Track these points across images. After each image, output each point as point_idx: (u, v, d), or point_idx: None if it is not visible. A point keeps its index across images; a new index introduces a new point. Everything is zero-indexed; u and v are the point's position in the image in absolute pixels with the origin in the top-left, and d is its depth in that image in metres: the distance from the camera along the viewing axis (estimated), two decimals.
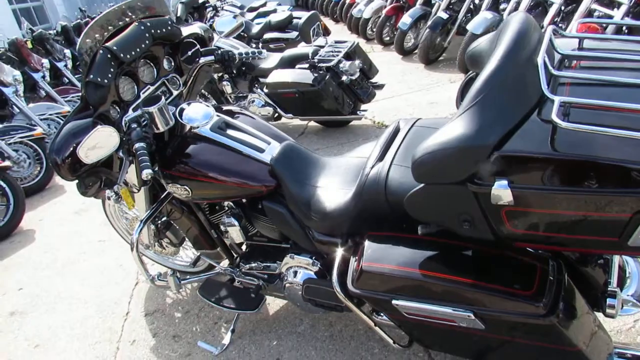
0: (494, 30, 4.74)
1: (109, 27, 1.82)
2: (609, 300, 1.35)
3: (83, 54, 1.71)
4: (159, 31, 1.95)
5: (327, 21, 10.82)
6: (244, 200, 2.02)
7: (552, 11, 4.43)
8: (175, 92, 2.10)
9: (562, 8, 4.52)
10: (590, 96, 1.17)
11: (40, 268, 3.28)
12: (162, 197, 2.15)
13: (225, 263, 2.35)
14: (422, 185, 1.30)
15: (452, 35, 5.96)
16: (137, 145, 1.71)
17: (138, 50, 1.86)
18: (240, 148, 1.88)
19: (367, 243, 1.54)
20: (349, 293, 1.56)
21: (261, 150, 1.89)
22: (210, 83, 4.90)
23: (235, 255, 2.25)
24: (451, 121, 1.23)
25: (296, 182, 1.82)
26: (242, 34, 6.80)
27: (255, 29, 6.55)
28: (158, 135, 1.94)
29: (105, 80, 1.74)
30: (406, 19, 6.27)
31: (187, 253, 2.76)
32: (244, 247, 2.25)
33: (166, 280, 2.17)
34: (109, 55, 1.76)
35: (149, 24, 1.92)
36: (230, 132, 1.94)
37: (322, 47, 4.30)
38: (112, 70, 1.77)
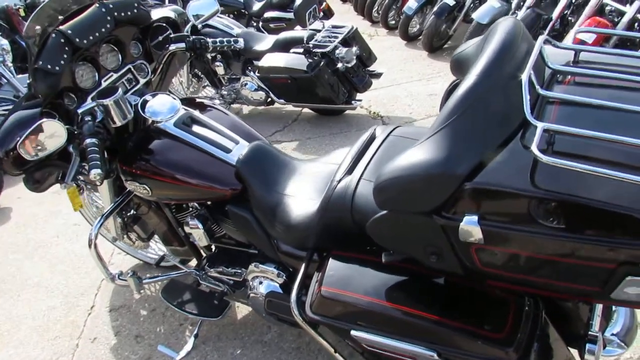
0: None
1: (65, 9, 1.66)
2: (588, 346, 1.22)
3: (29, 39, 1.55)
4: (122, 14, 1.78)
5: (335, 1, 10.54)
6: (208, 202, 1.87)
7: (562, 3, 4.21)
8: (142, 81, 1.94)
9: (573, 0, 4.30)
10: (579, 122, 1.01)
11: (10, 250, 3.16)
12: (127, 190, 2.02)
13: (194, 263, 2.22)
14: (385, 211, 1.16)
15: (458, 22, 5.72)
16: (87, 141, 1.57)
17: (97, 34, 1.70)
18: (205, 147, 1.73)
19: (329, 264, 1.40)
20: (307, 316, 1.42)
21: (227, 150, 1.74)
22: (204, 64, 4.72)
23: (203, 256, 2.13)
24: (420, 143, 1.07)
25: (262, 187, 1.68)
26: (242, 10, 6.59)
27: (256, 7, 6.31)
28: (121, 127, 1.80)
29: (57, 68, 1.59)
30: (412, 3, 6.01)
31: (160, 246, 2.64)
32: (213, 248, 2.12)
33: (126, 280, 2.04)
34: (62, 40, 1.60)
35: (111, 5, 1.75)
36: (196, 128, 1.79)
37: (319, 31, 4.10)
38: (65, 56, 1.61)
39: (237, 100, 4.70)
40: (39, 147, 1.52)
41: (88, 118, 1.63)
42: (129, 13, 1.81)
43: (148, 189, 1.78)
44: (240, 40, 2.09)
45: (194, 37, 1.97)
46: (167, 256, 2.27)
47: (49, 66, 1.56)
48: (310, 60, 3.91)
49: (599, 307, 1.29)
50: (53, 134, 1.53)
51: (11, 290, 2.74)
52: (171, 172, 1.72)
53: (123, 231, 2.30)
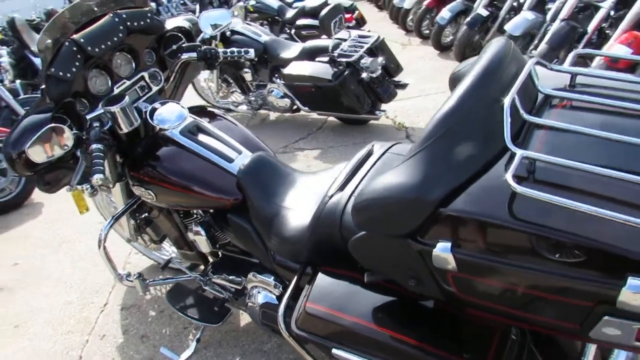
0: (534, 32, 4.36)
1: (79, 19, 1.72)
2: None
3: (43, 47, 1.62)
4: (135, 24, 1.84)
5: (371, 8, 10.54)
6: (211, 210, 1.91)
7: (599, 15, 4.07)
8: (154, 88, 1.99)
9: (611, 13, 4.15)
10: (567, 151, 0.98)
11: (38, 245, 3.30)
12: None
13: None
14: (364, 232, 1.15)
15: (491, 33, 5.62)
16: (93, 146, 1.62)
17: (109, 43, 1.76)
18: (208, 155, 1.76)
19: (317, 280, 1.41)
20: (292, 331, 1.43)
21: (230, 160, 1.77)
22: (234, 69, 4.80)
23: (209, 262, 2.16)
24: (398, 165, 1.06)
25: (261, 198, 1.70)
26: (276, 17, 6.67)
27: (289, 14, 6.39)
28: (133, 133, 1.85)
29: (68, 75, 1.65)
30: (445, 13, 5.96)
31: (173, 249, 2.69)
32: (220, 254, 2.15)
33: (132, 281, 2.10)
34: (74, 48, 1.67)
35: (124, 15, 1.81)
36: (201, 137, 1.82)
37: (345, 40, 4.10)
38: (77, 64, 1.67)
39: (264, 107, 4.76)
40: (47, 151, 1.59)
41: (96, 124, 1.68)
42: (141, 23, 1.86)
43: (153, 194, 1.83)
44: (251, 51, 2.11)
45: (205, 47, 2.02)
46: (173, 260, 2.31)
47: (61, 73, 1.63)
48: (335, 70, 3.92)
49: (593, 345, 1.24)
50: (61, 138, 1.59)
51: (34, 284, 2.86)
52: (174, 179, 1.76)
53: (136, 233, 2.36)
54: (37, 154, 1.57)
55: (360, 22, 7.06)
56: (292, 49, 4.37)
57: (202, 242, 1.94)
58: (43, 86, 1.68)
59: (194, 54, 2.01)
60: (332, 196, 1.42)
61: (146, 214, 2.26)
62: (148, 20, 1.88)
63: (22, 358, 2.29)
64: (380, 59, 4.00)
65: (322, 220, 1.41)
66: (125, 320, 2.42)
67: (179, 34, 2.07)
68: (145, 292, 2.13)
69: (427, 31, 7.21)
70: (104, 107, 1.70)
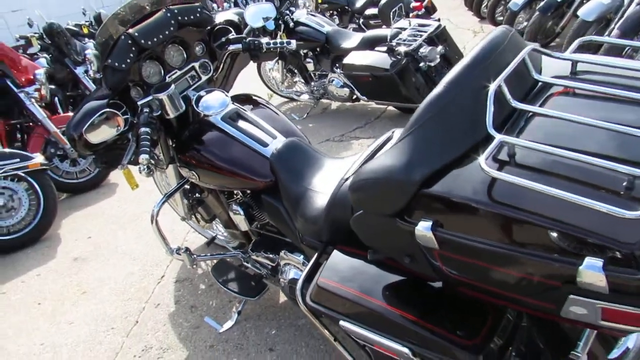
0: (609, 16, 4.16)
1: (133, 15, 1.90)
2: None
3: (101, 41, 1.81)
4: (186, 18, 1.99)
5: None
6: (248, 191, 2.04)
7: None
8: (203, 78, 2.15)
9: None
10: (551, 137, 1.00)
11: (110, 221, 3.63)
12: None
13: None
14: (361, 211, 1.22)
15: (567, 19, 5.33)
16: (141, 129, 1.79)
17: (161, 36, 1.92)
18: (245, 140, 1.89)
19: (332, 256, 1.49)
20: (307, 304, 1.52)
21: (265, 144, 1.88)
22: (298, 60, 4.94)
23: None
24: (388, 149, 1.12)
25: (290, 180, 1.80)
26: (346, 7, 6.74)
27: (358, 3, 6.43)
28: (182, 119, 2.02)
29: (123, 65, 1.83)
30: None
31: (220, 227, 2.87)
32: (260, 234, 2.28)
33: (181, 255, 2.28)
34: (129, 42, 1.84)
35: (176, 11, 1.96)
36: (240, 122, 1.95)
37: (405, 29, 4.09)
38: (131, 56, 1.85)
39: (325, 96, 4.85)
40: (102, 133, 1.78)
41: (146, 110, 1.86)
42: (192, 17, 2.01)
43: (196, 175, 1.99)
44: (293, 42, 2.20)
45: (250, 38, 2.14)
46: (218, 238, 2.48)
47: (117, 64, 1.81)
48: (392, 59, 3.93)
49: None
50: (114, 122, 1.78)
51: (104, 255, 3.17)
52: (213, 161, 1.90)
53: (190, 212, 2.56)
54: (94, 135, 1.77)
55: (431, 9, 6.92)
56: (353, 39, 4.42)
57: (240, 221, 2.08)
58: (101, 75, 1.87)
59: (239, 45, 2.14)
60: (347, 179, 1.50)
61: (197, 195, 2.44)
62: (198, 15, 2.03)
63: (88, 319, 2.56)
64: (439, 48, 3.95)
65: (337, 201, 1.49)
66: (178, 291, 2.64)
67: (228, 27, 2.21)
68: (192, 266, 2.30)
69: (501, 18, 6.96)
70: (153, 94, 1.87)
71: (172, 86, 1.87)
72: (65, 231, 3.62)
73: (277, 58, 4.93)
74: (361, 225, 1.26)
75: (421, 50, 3.88)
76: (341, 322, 1.38)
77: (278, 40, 2.21)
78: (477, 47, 1.12)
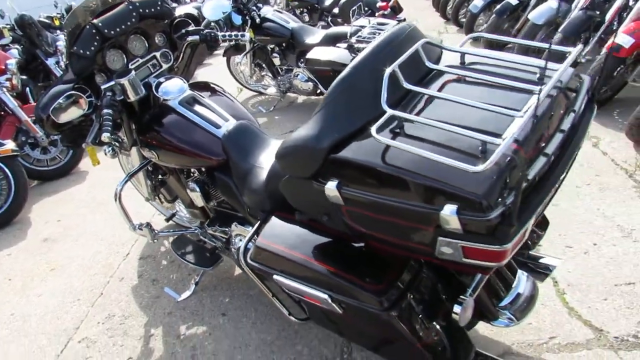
0: (558, 21, 4.54)
1: (98, 7, 2.09)
2: (455, 307, 1.40)
3: (67, 30, 1.99)
4: (147, 10, 2.18)
5: None
6: (203, 169, 2.24)
7: (617, 3, 4.08)
8: (164, 66, 2.34)
9: (631, 1, 4.14)
10: (432, 113, 1.24)
11: (80, 205, 3.79)
12: None
13: None
14: (288, 175, 1.44)
15: (521, 22, 5.64)
16: (104, 110, 1.99)
17: (123, 27, 2.11)
18: (199, 122, 2.09)
19: (270, 221, 1.71)
20: (247, 263, 1.74)
21: (217, 126, 2.09)
22: (265, 54, 5.15)
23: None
24: (307, 122, 1.35)
25: (239, 158, 2.01)
26: (316, 5, 6.96)
27: (327, 2, 6.64)
28: (144, 104, 2.22)
29: (88, 53, 2.02)
30: (477, 1, 6.02)
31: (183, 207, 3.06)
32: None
33: (143, 230, 2.47)
34: (93, 31, 2.03)
35: (137, 4, 2.16)
36: (196, 107, 2.15)
37: (364, 27, 4.33)
38: (95, 44, 2.04)
39: (291, 90, 5.06)
40: (67, 114, 1.97)
41: (109, 93, 2.05)
42: (152, 10, 2.21)
43: (156, 155, 2.18)
44: (247, 34, 2.42)
45: (206, 30, 2.35)
46: (177, 215, 2.69)
47: (81, 51, 2.00)
48: (352, 55, 4.16)
49: (477, 279, 1.47)
50: (78, 104, 1.97)
51: (72, 236, 3.33)
52: (172, 141, 2.10)
53: (153, 192, 2.75)
54: (59, 116, 1.95)
55: (397, 9, 7.20)
56: (316, 35, 4.64)
57: (196, 198, 2.28)
58: (66, 62, 2.06)
59: (197, 37, 2.35)
60: None
61: (160, 176, 2.63)
62: (158, 8, 2.22)
63: (56, 292, 2.73)
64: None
65: (273, 173, 1.71)
66: (141, 267, 2.82)
67: (188, 20, 2.41)
68: (153, 240, 2.50)
69: (464, 19, 7.27)
70: (115, 80, 2.07)
71: (133, 72, 2.07)
72: (36, 215, 3.76)
73: (245, 53, 5.13)
74: (287, 189, 1.49)
75: None
76: (275, 276, 1.61)
77: (232, 33, 2.42)
78: (379, 39, 1.36)
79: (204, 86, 2.35)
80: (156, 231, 2.49)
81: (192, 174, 2.35)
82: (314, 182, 1.33)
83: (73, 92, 1.96)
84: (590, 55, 4.26)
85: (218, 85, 2.40)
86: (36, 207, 3.90)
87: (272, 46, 5.07)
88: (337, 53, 4.27)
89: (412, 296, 1.42)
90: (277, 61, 5.05)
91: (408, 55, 1.31)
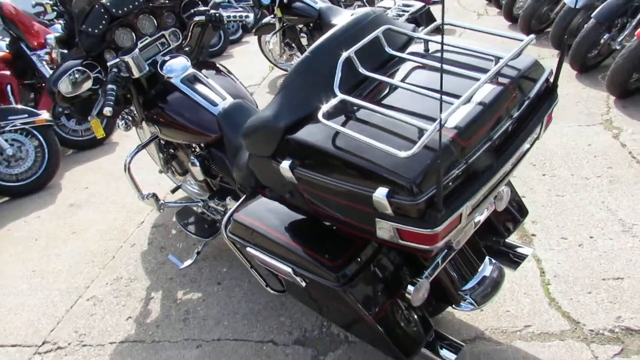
0: (596, 4, 4.42)
1: None
2: (408, 287, 1.45)
3: (76, 9, 2.12)
4: None
5: None
6: (202, 145, 2.34)
7: None
8: (172, 44, 2.45)
9: None
10: (380, 98, 1.28)
11: (106, 174, 4.01)
12: None
13: None
14: (252, 154, 1.52)
15: (560, 5, 5.42)
16: (108, 86, 2.11)
17: (131, 6, 2.22)
18: (198, 99, 2.18)
19: (248, 197, 1.79)
20: (228, 235, 1.83)
21: (215, 104, 2.18)
22: (294, 34, 5.19)
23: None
24: (268, 104, 1.41)
25: (232, 135, 2.09)
26: None
27: None
28: (152, 81, 2.34)
29: (96, 31, 2.14)
30: None
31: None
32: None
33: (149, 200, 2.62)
34: (102, 10, 2.15)
35: None
36: (197, 84, 2.25)
37: (389, 8, 4.30)
38: (104, 23, 2.16)
39: None
40: (73, 88, 2.10)
41: (115, 70, 2.17)
42: None
43: (158, 129, 2.30)
44: (251, 15, 2.48)
45: (212, 11, 2.42)
46: (183, 187, 2.82)
47: (90, 29, 2.13)
48: None
49: (435, 263, 1.50)
50: (85, 79, 2.10)
51: (96, 203, 3.54)
52: (171, 116, 2.21)
53: (165, 165, 2.89)
54: (67, 90, 2.09)
55: None
56: (343, 16, 4.64)
57: (196, 172, 2.40)
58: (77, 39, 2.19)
59: (203, 17, 2.43)
60: None
61: (172, 150, 2.76)
62: None
63: (74, 253, 2.95)
64: (420, 29, 4.15)
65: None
66: (152, 235, 2.99)
67: (197, 0, 2.49)
68: (160, 210, 2.64)
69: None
70: (120, 57, 2.18)
71: (136, 50, 2.18)
72: (66, 182, 4.01)
73: (275, 32, 5.18)
74: (254, 167, 1.56)
75: None
76: (247, 249, 1.70)
77: (237, 13, 2.49)
78: (340, 24, 1.39)
79: (209, 65, 2.44)
80: (162, 201, 2.63)
81: (193, 149, 2.46)
82: (272, 161, 1.39)
83: (80, 68, 2.09)
84: (627, 41, 4.07)
85: (223, 66, 2.49)
86: (68, 174, 4.16)
87: (300, 26, 5.10)
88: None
89: (368, 274, 1.47)
90: (304, 41, 5.09)
91: (367, 41, 1.34)
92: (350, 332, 1.77)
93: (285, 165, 1.33)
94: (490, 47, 1.36)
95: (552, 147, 3.11)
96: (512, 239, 2.35)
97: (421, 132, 1.13)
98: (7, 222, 3.49)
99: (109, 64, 2.21)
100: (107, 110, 2.05)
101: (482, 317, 1.97)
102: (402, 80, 1.32)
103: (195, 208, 2.74)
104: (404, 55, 1.40)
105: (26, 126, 3.83)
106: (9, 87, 4.35)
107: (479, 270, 1.65)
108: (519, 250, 1.82)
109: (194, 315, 2.28)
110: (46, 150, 3.94)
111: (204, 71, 2.34)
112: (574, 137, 3.18)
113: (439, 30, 1.54)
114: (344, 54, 1.30)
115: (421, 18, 4.27)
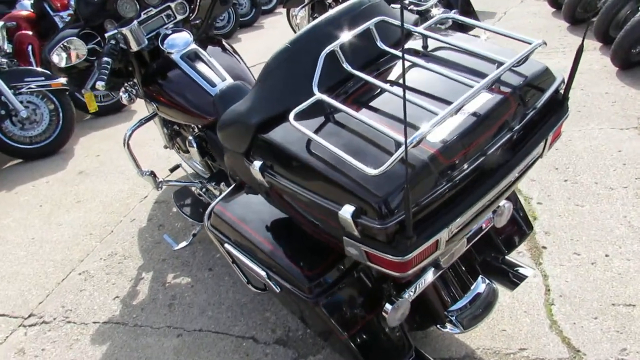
0: None
1: None
2: (386, 305, 1.33)
3: None
4: None
5: None
6: (199, 126, 2.24)
7: None
8: (179, 17, 2.33)
9: None
10: (362, 100, 1.14)
11: (120, 143, 3.95)
12: None
13: None
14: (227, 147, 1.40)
15: None
16: (103, 59, 2.02)
17: None
18: (196, 78, 2.07)
19: (231, 190, 1.69)
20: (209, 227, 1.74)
21: (213, 85, 2.06)
22: (323, 8, 5.00)
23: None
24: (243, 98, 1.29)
25: None
26: None
27: None
28: (155, 55, 2.24)
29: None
30: None
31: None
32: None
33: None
34: None
35: None
36: (197, 62, 2.13)
37: None
38: None
39: None
40: (67, 58, 2.02)
41: (112, 42, 2.07)
42: None
43: (155, 106, 2.21)
44: None
45: None
46: (182, 166, 2.74)
47: None
48: None
49: (419, 282, 1.37)
50: (77, 49, 2.01)
51: (104, 172, 3.52)
52: (168, 94, 2.11)
53: (170, 141, 2.81)
54: (59, 59, 2.01)
55: None
56: None
57: (194, 153, 2.30)
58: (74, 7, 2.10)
59: None
60: None
61: (176, 126, 2.68)
62: None
63: (75, 224, 2.93)
64: (453, 12, 3.92)
65: None
66: (153, 211, 2.94)
67: None
68: (157, 188, 2.57)
69: None
70: (117, 28, 2.08)
71: (135, 22, 2.07)
72: (80, 147, 4.00)
73: (303, 5, 5.00)
74: (228, 162, 1.45)
75: (433, 11, 3.86)
76: (225, 245, 1.60)
77: None
78: (327, 13, 1.25)
79: (215, 42, 2.32)
80: (159, 179, 2.55)
81: (192, 129, 2.36)
82: (245, 160, 1.28)
83: (73, 38, 2.00)
84: None
85: (230, 45, 2.36)
86: (83, 139, 4.15)
87: (330, 1, 4.90)
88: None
89: (345, 287, 1.36)
90: None
91: (355, 34, 1.20)
92: (326, 343, 1.67)
93: (255, 166, 1.21)
94: (497, 49, 1.19)
95: (579, 151, 2.90)
96: (521, 249, 2.22)
97: (399, 145, 0.99)
98: (16, 185, 3.50)
99: (106, 35, 2.12)
100: (100, 85, 1.96)
101: (475, 335, 1.84)
102: (392, 81, 1.18)
103: (193, 189, 2.67)
104: (396, 52, 1.24)
105: (42, 89, 3.81)
106: (30, 48, 4.33)
107: (471, 289, 1.52)
108: (519, 270, 1.67)
109: (180, 301, 2.22)
110: (61, 115, 3.92)
111: (208, 49, 2.22)
112: (604, 141, 2.95)
113: (442, 23, 1.38)
114: (327, 48, 1.16)
115: (455, 1, 4.02)
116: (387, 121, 1.06)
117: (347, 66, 1.18)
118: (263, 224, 1.51)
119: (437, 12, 3.84)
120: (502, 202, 1.43)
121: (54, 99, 3.88)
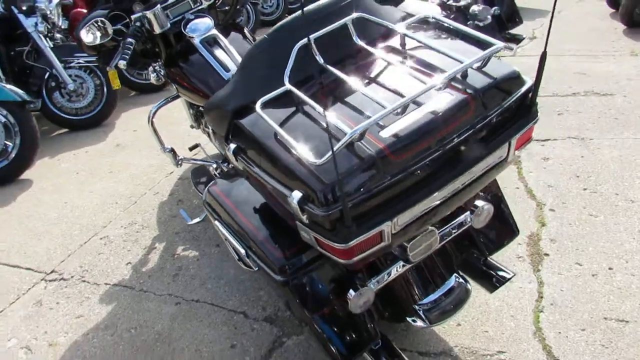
0: None
1: None
2: (350, 291, 1.37)
3: None
4: None
5: None
6: None
7: None
8: (205, 3, 2.43)
9: None
10: (332, 92, 1.19)
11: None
12: None
13: None
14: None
15: None
16: (127, 39, 2.15)
17: None
18: (212, 62, 2.16)
19: (229, 171, 1.78)
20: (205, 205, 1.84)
21: (227, 70, 2.15)
22: None
23: None
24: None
25: None
26: None
27: None
28: (178, 39, 2.35)
29: None
30: None
31: None
32: None
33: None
34: None
35: None
36: (215, 48, 2.22)
37: None
38: None
39: None
40: (94, 37, 2.16)
41: (137, 23, 2.20)
42: None
43: (175, 87, 2.33)
44: None
45: None
46: (200, 146, 2.86)
47: None
48: (443, 13, 3.89)
49: (386, 274, 1.40)
50: (105, 28, 2.15)
51: (138, 147, 3.72)
52: (186, 76, 2.22)
53: (196, 121, 2.94)
54: (87, 37, 2.16)
55: None
56: None
57: (210, 134, 2.41)
58: None
59: None
60: None
61: (200, 107, 2.80)
62: None
63: (104, 192, 3.13)
64: (494, 9, 3.84)
65: None
66: (176, 186, 3.09)
67: None
68: (176, 165, 2.70)
69: None
70: (142, 11, 2.20)
71: (158, 6, 2.18)
72: (121, 122, 4.23)
73: None
74: (217, 144, 1.53)
75: (473, 7, 3.80)
76: (215, 222, 1.69)
77: None
78: (308, 7, 1.29)
79: (237, 30, 2.40)
80: (179, 157, 2.69)
81: None
82: (225, 143, 1.36)
83: (100, 18, 2.14)
84: None
85: (251, 34, 2.44)
86: (125, 114, 4.38)
87: None
88: (429, 9, 4.01)
89: (315, 271, 1.42)
90: None
91: (331, 29, 1.24)
92: (303, 324, 1.74)
93: (230, 149, 1.29)
94: (462, 48, 1.20)
95: (606, 160, 2.80)
96: (522, 254, 2.20)
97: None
98: (59, 152, 3.76)
99: (132, 17, 2.25)
100: (122, 64, 2.09)
101: (456, 332, 1.86)
102: (359, 76, 1.21)
103: (210, 169, 2.78)
104: (369, 48, 1.27)
105: (90, 64, 4.04)
106: None
107: (444, 284, 1.54)
108: (499, 272, 1.67)
109: (184, 272, 2.35)
110: (105, 90, 4.15)
111: (230, 35, 2.30)
112: (636, 151, 2.83)
113: (424, 22, 1.39)
114: (301, 41, 1.21)
115: None
116: (348, 114, 1.11)
117: (319, 59, 1.23)
118: (248, 206, 1.59)
119: (478, 9, 3.77)
120: (481, 203, 1.44)
121: (100, 74, 4.11)
